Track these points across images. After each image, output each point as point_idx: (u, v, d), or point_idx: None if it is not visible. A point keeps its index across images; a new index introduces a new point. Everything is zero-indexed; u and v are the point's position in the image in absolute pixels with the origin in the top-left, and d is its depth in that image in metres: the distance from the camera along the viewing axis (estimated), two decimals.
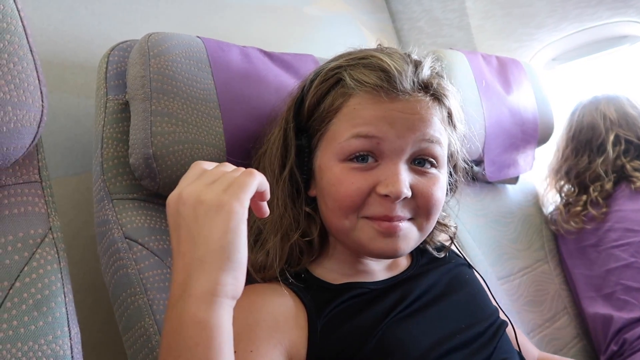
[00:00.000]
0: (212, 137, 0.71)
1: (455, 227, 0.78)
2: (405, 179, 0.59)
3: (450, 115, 0.65)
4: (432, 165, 0.62)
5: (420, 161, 0.62)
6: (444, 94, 0.63)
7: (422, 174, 0.62)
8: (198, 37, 0.76)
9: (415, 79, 0.61)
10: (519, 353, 0.69)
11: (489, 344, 0.64)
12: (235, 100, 0.75)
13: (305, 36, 1.36)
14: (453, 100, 0.66)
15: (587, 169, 1.33)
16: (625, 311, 1.17)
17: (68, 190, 0.87)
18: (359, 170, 0.60)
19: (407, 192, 0.59)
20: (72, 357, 0.48)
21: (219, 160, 0.72)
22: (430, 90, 0.61)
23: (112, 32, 0.96)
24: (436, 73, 0.64)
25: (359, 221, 0.61)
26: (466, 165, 0.77)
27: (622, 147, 1.30)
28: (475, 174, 1.24)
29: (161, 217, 0.71)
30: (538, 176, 1.50)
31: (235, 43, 0.81)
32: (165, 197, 0.71)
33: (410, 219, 0.61)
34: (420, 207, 0.61)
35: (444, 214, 0.78)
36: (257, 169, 0.64)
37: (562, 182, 1.40)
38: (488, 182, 1.29)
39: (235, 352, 0.54)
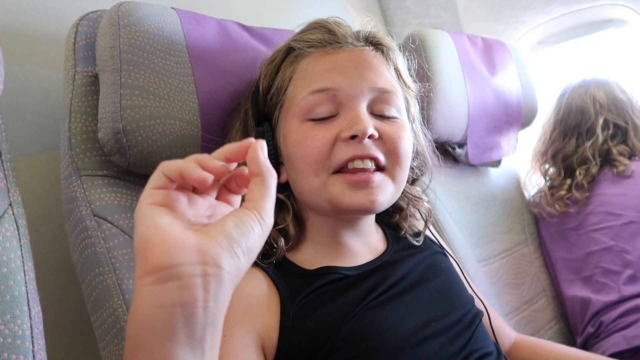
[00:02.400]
0: (186, 113, 0.68)
1: (429, 203, 0.77)
2: (369, 119, 0.60)
3: (398, 71, 0.68)
4: (393, 117, 0.64)
5: (380, 113, 0.63)
6: (385, 45, 0.67)
7: (385, 120, 0.63)
8: (172, 8, 0.73)
9: (354, 32, 0.66)
10: (496, 343, 0.69)
11: (465, 332, 0.64)
12: (212, 74, 0.72)
13: (288, 14, 1.33)
14: (398, 56, 0.69)
15: (575, 152, 1.32)
16: (603, 294, 1.18)
17: (39, 166, 0.84)
18: (321, 124, 0.61)
19: (373, 131, 0.59)
20: (32, 337, 0.46)
21: (194, 137, 0.69)
22: (371, 40, 0.66)
23: (84, 2, 0.91)
24: (373, 31, 0.67)
25: (329, 178, 0.60)
26: (427, 132, 0.78)
27: (610, 131, 1.30)
28: (458, 157, 1.23)
29: (132, 194, 0.68)
30: (521, 159, 1.50)
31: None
32: (136, 174, 0.70)
33: (382, 170, 0.61)
34: (390, 151, 0.62)
35: (419, 189, 0.77)
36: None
37: (547, 165, 1.40)
38: (470, 165, 1.29)
39: None
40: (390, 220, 0.75)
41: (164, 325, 0.32)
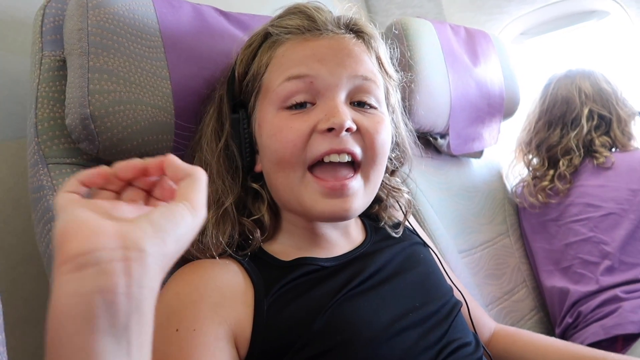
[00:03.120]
0: (158, 99, 0.66)
1: (409, 194, 0.76)
2: (347, 111, 0.58)
3: (379, 59, 0.66)
4: (372, 106, 0.62)
5: (359, 103, 0.61)
6: (367, 33, 0.64)
7: (363, 112, 0.61)
8: None
9: (335, 18, 0.63)
10: (474, 334, 0.68)
11: (443, 322, 0.63)
12: (186, 60, 0.70)
13: (269, 2, 1.30)
14: (379, 44, 0.66)
15: (559, 142, 1.32)
16: (581, 284, 1.19)
17: (7, 155, 0.81)
18: (297, 114, 0.59)
19: (351, 124, 0.57)
20: None
21: (167, 123, 0.67)
22: (352, 27, 0.64)
23: None
24: (354, 17, 0.65)
25: (305, 174, 0.59)
26: (409, 122, 0.76)
27: (595, 122, 1.30)
28: (440, 147, 1.23)
29: None
30: (503, 150, 1.50)
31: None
32: (106, 162, 0.67)
33: (357, 167, 0.60)
34: (368, 146, 0.60)
35: (398, 179, 0.76)
36: (195, 152, 0.66)
37: (531, 156, 1.40)
38: (452, 156, 1.28)
39: (177, 330, 0.51)
40: (370, 211, 0.73)
41: (83, 314, 0.30)
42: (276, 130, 0.59)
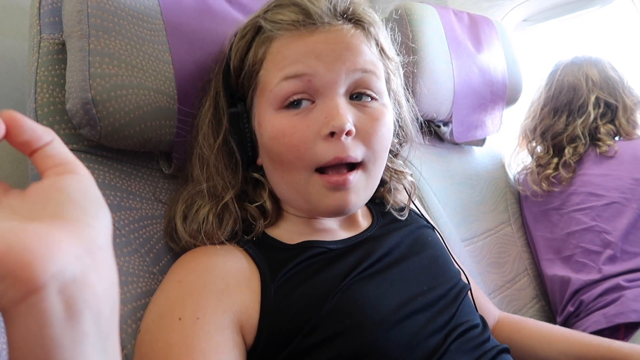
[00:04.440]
0: (160, 83, 0.64)
1: (412, 176, 0.75)
2: (346, 111, 0.56)
3: (379, 45, 0.62)
4: (372, 98, 0.59)
5: (358, 95, 0.59)
6: (366, 21, 0.60)
7: (362, 108, 0.59)
8: None
9: (331, 7, 0.58)
10: (482, 317, 0.68)
11: (451, 306, 0.63)
12: (188, 44, 0.68)
13: None
14: (379, 29, 0.63)
15: (564, 130, 1.31)
16: (583, 273, 1.19)
17: (4, 143, 0.80)
18: (298, 116, 0.57)
19: (351, 127, 0.55)
20: None
21: (169, 109, 0.66)
22: (350, 17, 0.59)
23: None
24: (352, 2, 0.61)
25: (311, 176, 0.57)
26: (412, 102, 0.75)
27: (601, 109, 1.29)
28: (443, 135, 1.22)
29: (104, 170, 0.64)
30: (505, 138, 1.49)
31: None
32: (108, 149, 0.66)
33: (358, 166, 0.58)
34: (367, 146, 0.58)
35: (401, 162, 0.75)
36: (194, 148, 0.64)
37: (535, 143, 1.39)
38: (455, 144, 1.27)
39: (180, 318, 0.50)
40: (375, 194, 0.72)
41: (73, 338, 0.26)
42: (278, 133, 0.57)
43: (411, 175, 0.75)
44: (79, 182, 0.31)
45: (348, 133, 0.55)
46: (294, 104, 0.57)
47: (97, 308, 0.27)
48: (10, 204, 0.29)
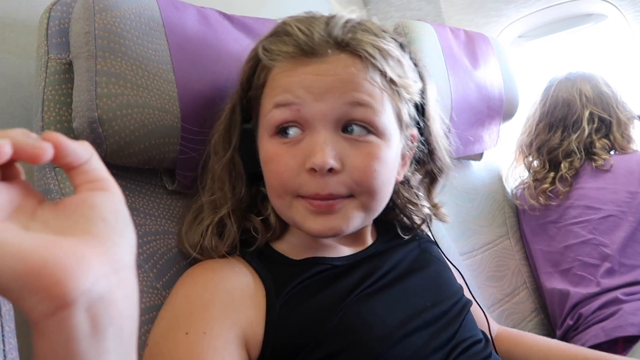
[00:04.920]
0: (164, 102, 0.66)
1: (429, 209, 0.73)
2: (329, 147, 0.54)
3: (387, 76, 0.58)
4: (369, 131, 0.57)
5: (352, 128, 0.57)
6: (367, 52, 0.56)
7: (354, 142, 0.56)
8: None
9: (327, 36, 0.56)
10: (483, 332, 0.69)
11: (455, 321, 0.63)
12: (191, 64, 0.70)
13: (269, 2, 1.30)
14: (387, 58, 0.58)
15: (560, 145, 1.33)
16: (581, 286, 1.20)
17: None
18: (287, 145, 0.57)
19: (333, 163, 0.54)
20: (2, 336, 0.44)
21: (173, 127, 0.67)
22: (347, 47, 0.56)
23: None
24: (354, 28, 0.57)
25: (293, 201, 0.58)
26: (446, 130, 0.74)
27: (595, 124, 1.31)
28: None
29: None
30: (502, 153, 1.50)
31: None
32: (114, 166, 0.67)
33: (349, 196, 0.57)
34: (357, 183, 0.56)
35: (417, 192, 0.72)
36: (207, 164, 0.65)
37: (531, 158, 1.41)
38: (452, 158, 1.28)
39: (187, 333, 0.51)
40: (386, 217, 0.72)
41: (97, 354, 0.27)
42: (268, 159, 0.59)
43: (429, 207, 0.73)
44: (110, 201, 0.31)
45: (331, 170, 0.54)
46: (283, 132, 0.58)
47: (119, 325, 0.29)
48: (44, 216, 0.30)
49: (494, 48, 1.34)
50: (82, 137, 0.61)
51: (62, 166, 0.31)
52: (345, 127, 0.57)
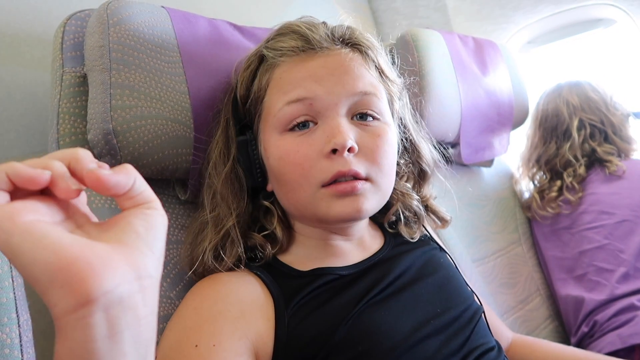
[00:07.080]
0: (177, 113, 0.67)
1: (418, 201, 0.74)
2: (348, 130, 0.58)
3: (379, 68, 0.65)
4: (374, 118, 0.62)
5: (360, 115, 0.61)
6: (364, 45, 0.63)
7: (364, 127, 0.61)
8: (162, 7, 0.71)
9: (329, 33, 0.62)
10: (496, 340, 0.68)
11: (465, 328, 0.63)
12: (203, 74, 0.71)
13: (278, 14, 1.31)
14: (378, 52, 0.65)
15: (556, 155, 1.35)
16: (596, 292, 1.18)
17: None
18: (301, 137, 0.59)
19: (353, 143, 0.57)
20: (20, 345, 0.44)
21: (186, 138, 0.68)
22: (348, 41, 0.63)
23: (72, 2, 0.90)
24: (350, 29, 0.64)
25: (317, 192, 0.59)
26: (422, 124, 0.77)
27: (587, 131, 1.33)
28: (450, 157, 1.23)
29: None
30: (512, 159, 1.50)
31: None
32: None
33: (366, 179, 0.59)
34: (371, 162, 0.60)
35: (406, 184, 0.75)
36: (208, 170, 0.66)
37: (534, 170, 1.42)
38: (463, 165, 1.28)
39: (196, 346, 0.51)
40: (383, 218, 0.73)
41: (114, 356, 0.28)
42: (283, 153, 0.60)
43: (418, 199, 0.75)
44: (148, 217, 0.34)
45: (350, 150, 0.57)
46: (299, 126, 0.60)
47: (137, 331, 0.30)
48: (88, 228, 0.33)
49: (502, 54, 1.34)
50: (97, 149, 0.62)
51: (108, 196, 0.34)
52: (354, 114, 0.61)
